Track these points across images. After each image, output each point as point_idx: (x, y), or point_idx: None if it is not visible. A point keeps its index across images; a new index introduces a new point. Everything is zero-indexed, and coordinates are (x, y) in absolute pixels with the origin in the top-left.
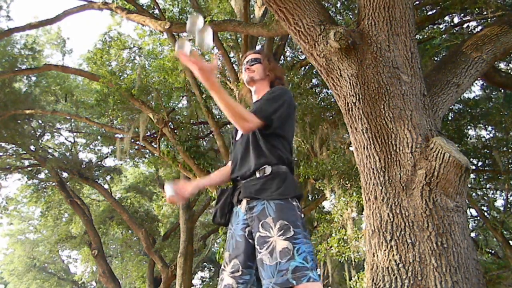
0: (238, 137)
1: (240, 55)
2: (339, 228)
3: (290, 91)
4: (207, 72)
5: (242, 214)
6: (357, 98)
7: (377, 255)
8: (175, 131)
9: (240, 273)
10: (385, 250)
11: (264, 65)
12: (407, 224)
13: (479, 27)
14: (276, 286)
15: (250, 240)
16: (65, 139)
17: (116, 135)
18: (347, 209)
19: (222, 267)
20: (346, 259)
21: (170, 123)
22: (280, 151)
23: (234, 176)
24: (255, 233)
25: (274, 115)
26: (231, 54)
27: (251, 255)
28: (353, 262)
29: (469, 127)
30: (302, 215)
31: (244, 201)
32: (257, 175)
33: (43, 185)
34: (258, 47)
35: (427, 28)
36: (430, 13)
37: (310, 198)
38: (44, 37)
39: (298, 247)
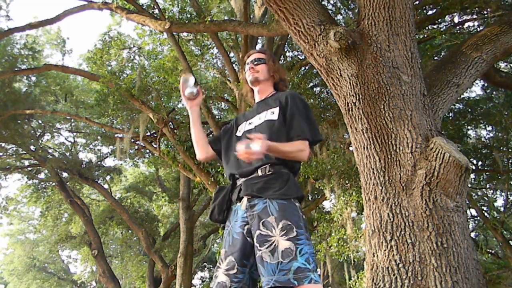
0: (239, 133)
1: (240, 55)
2: (338, 228)
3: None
4: (262, 153)
5: (241, 212)
6: (357, 98)
7: (377, 255)
8: (175, 131)
9: (235, 271)
10: (385, 250)
11: (269, 65)
12: (407, 224)
13: (479, 27)
14: (277, 283)
15: (248, 238)
16: (65, 139)
17: (116, 135)
18: (347, 209)
19: (218, 264)
20: (345, 259)
21: (170, 123)
22: None
23: (233, 172)
24: (254, 231)
25: (312, 129)
26: (231, 54)
27: (248, 254)
28: (353, 262)
29: (469, 127)
30: (304, 216)
31: (245, 199)
32: (259, 173)
33: (43, 185)
34: (258, 47)
35: (427, 28)
36: (430, 13)
37: (310, 198)
38: (44, 37)
39: (300, 248)
